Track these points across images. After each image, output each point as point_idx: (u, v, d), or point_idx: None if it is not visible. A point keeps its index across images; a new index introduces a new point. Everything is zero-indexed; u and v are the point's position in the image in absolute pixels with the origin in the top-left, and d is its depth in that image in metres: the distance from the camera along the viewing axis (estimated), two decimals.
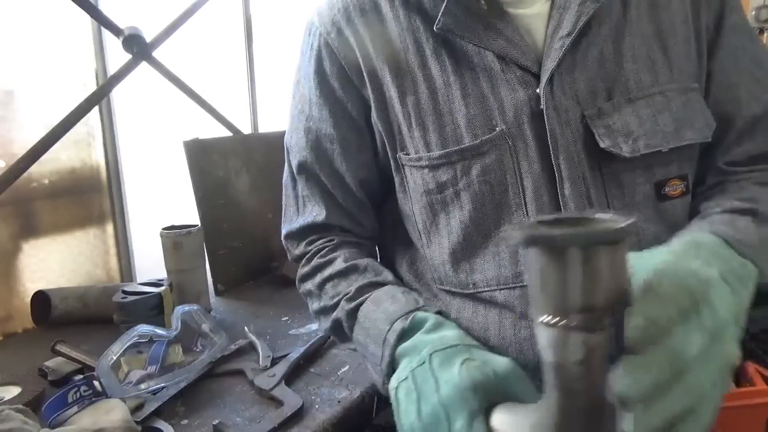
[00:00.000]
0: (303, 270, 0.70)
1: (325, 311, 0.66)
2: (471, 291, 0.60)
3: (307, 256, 0.70)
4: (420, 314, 0.55)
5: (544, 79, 0.54)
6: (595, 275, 0.32)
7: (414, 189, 0.62)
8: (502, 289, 0.58)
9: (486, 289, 0.59)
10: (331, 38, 0.63)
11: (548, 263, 0.32)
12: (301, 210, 0.71)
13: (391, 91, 0.61)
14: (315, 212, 0.69)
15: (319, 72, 0.65)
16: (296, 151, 0.70)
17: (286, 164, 0.73)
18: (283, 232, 0.74)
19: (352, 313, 0.61)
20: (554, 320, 0.34)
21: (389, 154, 0.64)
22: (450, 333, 0.52)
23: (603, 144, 0.54)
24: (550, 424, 0.37)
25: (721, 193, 0.58)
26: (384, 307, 0.58)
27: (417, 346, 0.52)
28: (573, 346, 0.33)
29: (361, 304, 0.60)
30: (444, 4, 0.56)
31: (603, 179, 0.55)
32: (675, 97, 0.55)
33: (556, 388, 0.35)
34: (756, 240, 0.49)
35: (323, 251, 0.69)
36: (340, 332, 0.64)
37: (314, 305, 0.68)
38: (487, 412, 0.44)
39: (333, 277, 0.65)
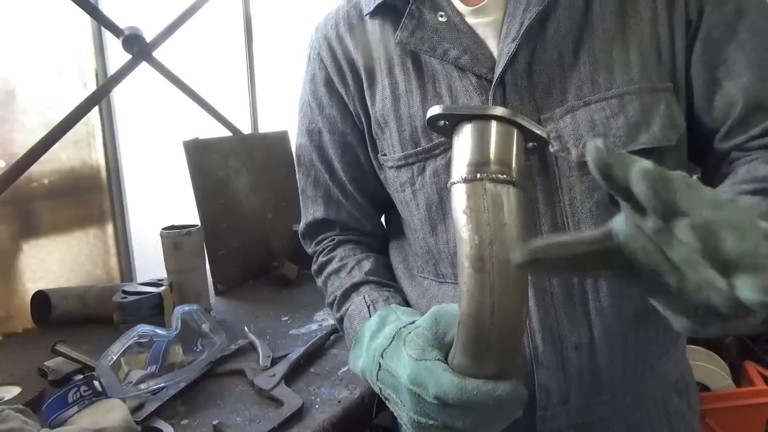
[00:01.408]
0: (313, 267, 0.77)
1: (330, 307, 0.72)
2: (443, 281, 0.64)
3: (315, 255, 0.78)
4: (365, 327, 0.59)
5: (492, 84, 0.55)
6: (476, 141, 0.41)
7: (390, 187, 0.68)
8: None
9: (451, 281, 0.63)
10: (322, 50, 0.69)
11: (454, 134, 0.44)
12: (305, 209, 0.78)
13: (367, 97, 0.66)
14: (315, 210, 0.76)
15: (313, 80, 0.71)
16: (301, 151, 0.76)
17: (296, 168, 0.78)
18: (299, 231, 0.81)
19: (340, 324, 0.69)
20: (450, 181, 0.43)
21: (371, 155, 0.69)
22: (388, 329, 0.55)
23: (552, 148, 0.54)
24: (467, 279, 0.41)
25: (732, 176, 0.55)
26: (353, 325, 0.63)
27: (369, 355, 0.55)
28: (458, 196, 0.42)
29: (343, 316, 0.67)
30: (402, 20, 0.58)
31: (553, 184, 0.55)
32: (633, 99, 0.53)
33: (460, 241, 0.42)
34: None
35: (325, 251, 0.75)
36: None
37: (325, 299, 0.74)
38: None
39: (330, 276, 0.72)
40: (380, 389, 0.52)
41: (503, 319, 0.40)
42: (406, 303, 0.67)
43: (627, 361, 0.57)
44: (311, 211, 0.76)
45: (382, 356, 0.52)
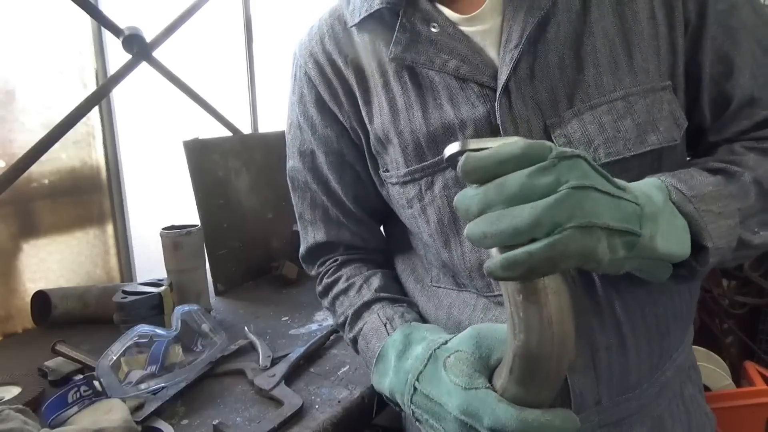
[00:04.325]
0: (318, 289, 0.76)
1: (341, 327, 0.71)
2: (463, 289, 0.63)
3: (319, 276, 0.76)
4: (387, 344, 0.58)
5: (498, 93, 0.54)
6: None
7: (395, 204, 0.66)
8: (486, 295, 0.61)
9: (467, 290, 0.63)
10: (308, 67, 0.66)
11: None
12: (305, 233, 0.76)
13: (364, 114, 0.64)
14: (315, 233, 0.75)
15: (301, 100, 0.69)
16: (294, 174, 0.74)
17: (291, 191, 0.76)
18: (300, 255, 0.80)
19: (354, 344, 0.68)
20: None
21: (372, 172, 0.67)
22: (418, 349, 0.54)
23: None
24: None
25: (711, 154, 0.57)
26: (370, 345, 0.63)
27: (400, 377, 0.54)
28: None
29: (357, 336, 0.66)
30: (394, 34, 0.57)
31: None
32: (638, 100, 0.53)
33: None
34: (707, 191, 0.48)
35: (330, 272, 0.74)
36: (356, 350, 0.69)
37: (333, 320, 0.74)
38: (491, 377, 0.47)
39: (338, 296, 0.71)
40: (413, 412, 0.52)
41: (562, 348, 0.40)
42: (420, 316, 0.67)
43: (652, 356, 0.58)
44: (311, 234, 0.75)
45: (418, 380, 0.51)
